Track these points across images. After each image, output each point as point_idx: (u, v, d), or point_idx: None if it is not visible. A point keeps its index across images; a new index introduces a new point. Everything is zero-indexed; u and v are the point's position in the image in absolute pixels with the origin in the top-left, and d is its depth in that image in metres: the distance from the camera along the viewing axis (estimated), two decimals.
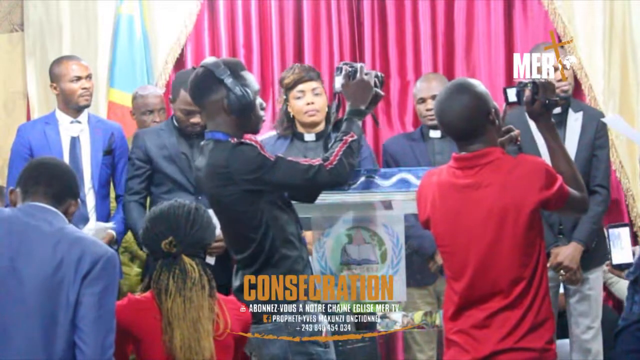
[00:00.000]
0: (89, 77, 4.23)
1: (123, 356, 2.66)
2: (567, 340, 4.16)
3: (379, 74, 3.27)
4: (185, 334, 2.59)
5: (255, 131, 3.12)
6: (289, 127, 3.94)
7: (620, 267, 2.65)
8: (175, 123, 4.07)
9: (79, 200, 2.64)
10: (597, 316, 4.00)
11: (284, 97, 3.94)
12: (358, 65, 3.24)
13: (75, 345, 2.37)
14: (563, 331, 4.15)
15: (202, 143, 3.09)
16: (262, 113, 3.07)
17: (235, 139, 2.97)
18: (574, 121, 4.00)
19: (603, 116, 4.03)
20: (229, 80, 2.97)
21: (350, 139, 3.09)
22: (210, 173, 2.97)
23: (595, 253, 3.98)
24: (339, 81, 3.24)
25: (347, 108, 3.19)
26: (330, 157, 3.05)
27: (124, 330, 2.61)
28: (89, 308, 2.38)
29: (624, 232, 2.66)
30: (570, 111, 4.02)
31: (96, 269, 2.40)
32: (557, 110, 4.00)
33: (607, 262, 2.69)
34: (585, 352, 3.99)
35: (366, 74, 3.20)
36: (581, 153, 3.95)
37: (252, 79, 3.07)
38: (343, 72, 3.22)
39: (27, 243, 2.43)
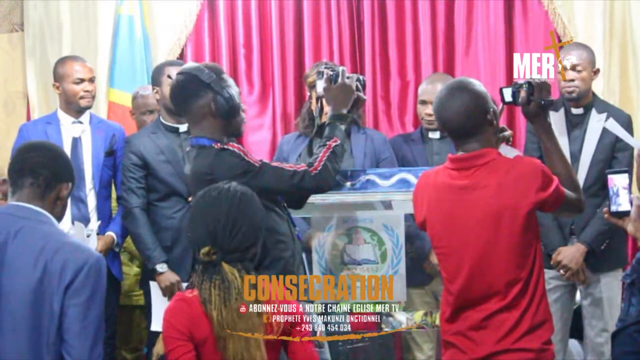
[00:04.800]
0: (92, 79, 4.22)
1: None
2: (573, 340, 4.16)
3: (360, 77, 3.27)
4: (237, 345, 2.51)
5: (239, 134, 3.14)
6: (310, 125, 3.94)
7: (618, 215, 2.62)
8: (163, 121, 4.08)
9: (70, 184, 2.52)
10: (611, 319, 3.93)
11: (308, 94, 3.95)
12: (340, 68, 3.24)
13: (62, 357, 2.32)
14: (577, 332, 4.14)
15: (186, 150, 3.10)
16: (243, 115, 3.09)
17: (219, 144, 2.97)
18: (596, 122, 3.95)
19: (629, 118, 4.00)
20: (216, 84, 2.98)
21: (334, 144, 3.11)
22: (196, 180, 2.96)
23: (608, 255, 3.95)
24: (320, 85, 3.24)
25: (329, 112, 3.20)
26: (315, 162, 3.06)
27: (184, 333, 2.53)
28: (74, 320, 2.31)
29: (623, 178, 2.62)
30: (594, 112, 3.99)
31: (79, 278, 2.32)
32: (579, 111, 3.99)
33: (605, 208, 2.66)
34: (599, 354, 3.98)
35: (348, 78, 3.21)
36: (600, 154, 3.92)
37: (233, 81, 3.08)
38: (325, 76, 3.22)
39: (8, 254, 2.35)
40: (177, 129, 4.06)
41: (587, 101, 4.00)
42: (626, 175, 2.64)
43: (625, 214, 2.60)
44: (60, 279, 2.31)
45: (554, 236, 3.91)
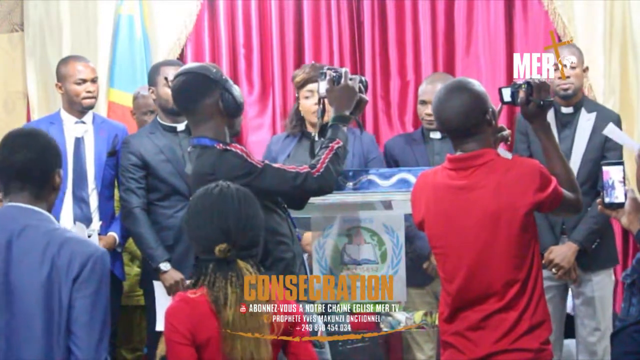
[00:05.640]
0: (94, 80, 4.20)
1: None
2: (573, 340, 4.16)
3: (363, 78, 3.27)
4: (246, 345, 2.48)
5: (238, 133, 3.16)
6: (298, 125, 3.96)
7: (612, 206, 2.63)
8: (160, 120, 4.07)
9: (60, 169, 2.47)
10: (603, 318, 3.97)
11: (296, 95, 3.96)
12: (342, 70, 3.24)
13: (70, 349, 2.32)
14: (571, 331, 4.14)
15: (188, 150, 3.10)
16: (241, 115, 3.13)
17: (222, 145, 2.97)
18: (586, 121, 3.98)
19: (618, 117, 4.02)
20: (226, 82, 2.99)
21: (336, 146, 3.11)
22: (197, 180, 2.96)
23: (598, 254, 3.96)
24: (323, 86, 3.24)
25: (332, 114, 3.20)
26: (317, 164, 3.06)
27: (186, 335, 2.49)
28: (81, 312, 2.32)
29: (618, 171, 2.63)
30: (583, 111, 4.00)
31: (86, 270, 2.33)
32: (569, 110, 4.00)
33: (599, 199, 2.68)
34: (592, 353, 3.98)
35: (350, 79, 3.21)
36: (590, 154, 3.93)
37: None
38: (327, 77, 3.22)
39: (14, 253, 2.34)
40: (175, 128, 4.07)
41: (577, 100, 4.01)
42: (621, 167, 2.64)
43: (620, 205, 2.62)
44: (67, 271, 2.32)
45: (545, 236, 3.91)
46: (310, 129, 3.92)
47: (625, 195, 2.60)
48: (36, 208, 2.41)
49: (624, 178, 2.64)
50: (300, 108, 3.94)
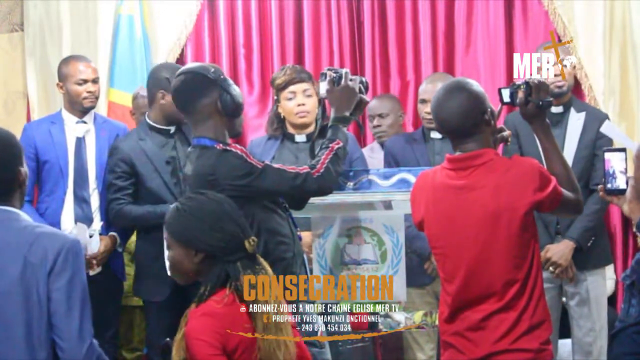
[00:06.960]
0: (95, 80, 4.19)
1: None
2: (569, 340, 4.16)
3: (363, 79, 3.28)
4: (281, 344, 2.49)
5: (239, 133, 3.16)
6: (279, 127, 3.93)
7: (614, 193, 2.64)
8: (151, 122, 4.04)
9: (24, 165, 2.46)
10: (599, 318, 3.97)
11: (275, 97, 3.95)
12: (343, 71, 3.24)
13: (55, 343, 2.34)
14: (566, 331, 4.14)
15: (188, 150, 3.10)
16: (242, 116, 3.12)
17: (222, 145, 2.98)
18: (576, 121, 4.00)
19: (607, 117, 4.04)
20: (224, 82, 2.99)
21: (337, 146, 3.11)
22: (198, 180, 2.96)
23: (593, 253, 3.97)
24: (323, 87, 3.24)
25: (332, 114, 3.20)
26: (317, 164, 3.06)
27: (219, 347, 2.45)
28: (59, 303, 2.33)
29: (619, 156, 2.64)
30: (572, 111, 4.02)
31: (58, 262, 2.33)
32: (559, 109, 4.01)
33: (600, 185, 2.69)
34: (587, 354, 3.98)
35: (351, 80, 3.21)
36: (581, 152, 3.95)
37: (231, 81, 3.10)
38: (327, 78, 3.22)
39: None
40: (169, 130, 4.03)
41: (567, 99, 4.02)
42: (623, 154, 2.65)
43: (621, 192, 2.63)
44: (41, 268, 2.33)
45: (540, 236, 3.90)
46: (291, 130, 3.90)
47: (627, 182, 2.61)
48: (3, 207, 2.40)
49: (625, 169, 2.65)
50: (280, 110, 3.91)
